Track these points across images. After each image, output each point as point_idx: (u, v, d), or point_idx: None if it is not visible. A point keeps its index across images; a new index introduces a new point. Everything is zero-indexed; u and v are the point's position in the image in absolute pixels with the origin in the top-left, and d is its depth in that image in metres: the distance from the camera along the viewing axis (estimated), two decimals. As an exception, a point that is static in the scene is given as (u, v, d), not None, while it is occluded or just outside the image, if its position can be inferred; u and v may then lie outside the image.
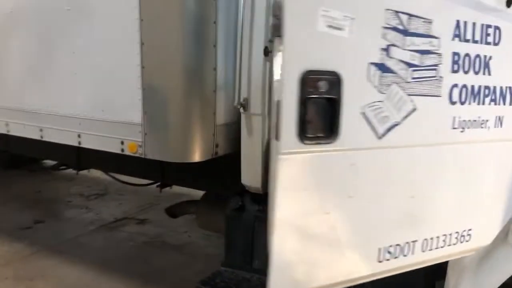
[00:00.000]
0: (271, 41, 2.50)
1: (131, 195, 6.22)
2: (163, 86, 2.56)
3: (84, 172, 4.35)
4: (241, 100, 2.54)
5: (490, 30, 1.62)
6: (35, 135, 3.17)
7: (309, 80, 1.28)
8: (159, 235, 5.03)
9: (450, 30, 1.55)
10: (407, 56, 1.47)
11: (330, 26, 1.28)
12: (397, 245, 1.60)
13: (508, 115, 1.71)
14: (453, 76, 1.57)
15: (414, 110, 1.51)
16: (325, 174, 1.41)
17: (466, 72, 1.59)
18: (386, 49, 1.43)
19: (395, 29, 1.43)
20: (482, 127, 1.67)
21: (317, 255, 1.47)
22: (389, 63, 1.44)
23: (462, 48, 1.58)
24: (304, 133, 1.31)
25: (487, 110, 1.68)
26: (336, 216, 1.46)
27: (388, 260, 1.58)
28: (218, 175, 3.04)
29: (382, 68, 1.43)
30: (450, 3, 1.52)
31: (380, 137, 1.45)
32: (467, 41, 1.58)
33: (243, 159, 2.72)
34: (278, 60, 1.30)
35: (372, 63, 1.41)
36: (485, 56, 1.63)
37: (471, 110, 1.63)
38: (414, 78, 1.49)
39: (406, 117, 1.49)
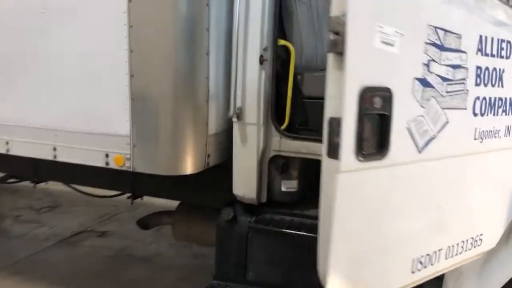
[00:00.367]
0: (265, 50, 2.48)
1: (85, 206, 5.89)
2: (154, 96, 2.43)
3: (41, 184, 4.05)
4: (236, 109, 2.48)
5: (504, 45, 1.71)
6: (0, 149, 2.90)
7: (366, 96, 1.27)
8: (125, 247, 4.81)
9: (474, 44, 1.61)
10: (443, 71, 1.50)
11: (384, 42, 1.27)
12: (427, 254, 1.63)
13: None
14: (476, 89, 1.64)
15: (446, 123, 1.55)
16: (376, 190, 1.41)
17: (485, 85, 1.66)
18: (427, 64, 1.46)
19: (434, 44, 1.45)
20: (495, 137, 1.75)
21: (368, 270, 1.47)
22: (429, 78, 1.46)
23: (483, 62, 1.65)
24: (361, 150, 1.30)
25: (499, 121, 1.77)
26: (383, 231, 1.47)
27: (419, 270, 1.61)
28: (195, 185, 2.94)
29: (424, 83, 1.45)
30: (475, 18, 1.58)
31: (420, 150, 1.47)
32: (486, 55, 1.65)
33: (236, 169, 2.66)
34: (333, 77, 1.27)
35: (416, 78, 1.43)
36: (499, 69, 1.72)
37: (488, 121, 1.71)
38: (447, 92, 1.53)
39: (440, 130, 1.52)
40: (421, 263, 1.62)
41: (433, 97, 1.49)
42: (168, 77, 2.42)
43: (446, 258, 1.70)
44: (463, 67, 1.59)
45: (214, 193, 3.07)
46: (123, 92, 2.46)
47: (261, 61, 2.48)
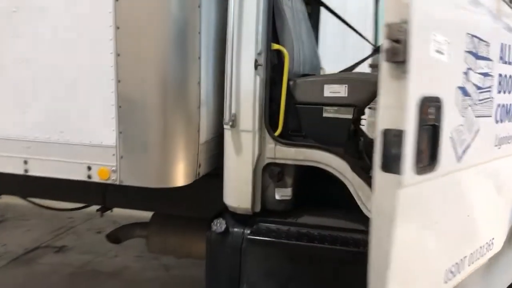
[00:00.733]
0: (259, 54, 2.39)
1: (37, 219, 5.48)
2: (143, 103, 2.26)
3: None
4: (231, 116, 2.36)
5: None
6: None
7: (424, 107, 1.22)
8: (87, 263, 4.50)
9: (498, 52, 1.62)
10: (477, 79, 1.49)
11: (436, 51, 1.23)
12: (456, 263, 1.62)
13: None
14: (498, 96, 1.65)
15: (478, 130, 1.54)
16: (426, 204, 1.36)
17: (505, 92, 1.68)
18: (466, 73, 1.44)
19: (471, 52, 1.44)
20: (509, 143, 1.78)
21: (412, 285, 1.43)
22: (468, 87, 1.45)
23: (504, 69, 1.67)
24: (419, 163, 1.24)
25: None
26: (427, 244, 1.43)
27: (450, 280, 1.60)
28: (174, 195, 2.78)
29: (464, 91, 1.43)
30: (498, 26, 1.59)
31: (458, 159, 1.45)
32: (506, 63, 1.67)
33: (228, 179, 2.55)
34: (390, 87, 1.21)
35: (458, 87, 1.40)
36: (514, 76, 1.75)
37: (505, 128, 1.73)
38: (479, 100, 1.52)
39: (473, 138, 1.51)
40: (451, 272, 1.61)
41: (469, 105, 1.47)
42: (159, 82, 2.26)
43: (469, 265, 1.70)
44: (490, 75, 1.59)
45: (195, 203, 2.94)
46: (109, 99, 2.27)
47: (256, 66, 2.38)
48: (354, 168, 2.38)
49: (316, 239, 2.41)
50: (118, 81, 2.23)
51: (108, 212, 3.51)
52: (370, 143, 2.73)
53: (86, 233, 5.29)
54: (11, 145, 2.46)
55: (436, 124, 1.32)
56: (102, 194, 3.37)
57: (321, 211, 2.69)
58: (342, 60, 4.14)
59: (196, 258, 3.41)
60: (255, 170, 2.48)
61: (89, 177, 2.38)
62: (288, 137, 2.53)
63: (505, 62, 1.67)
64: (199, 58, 2.34)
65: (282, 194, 2.59)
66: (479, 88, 1.52)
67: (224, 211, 2.68)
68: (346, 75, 2.67)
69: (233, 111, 2.39)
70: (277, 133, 2.49)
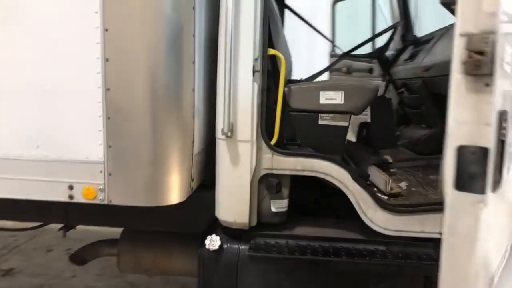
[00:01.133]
0: (256, 60, 2.26)
1: (-26, 240, 4.90)
2: (135, 113, 2.05)
3: None
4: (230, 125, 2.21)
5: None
6: None
7: (501, 121, 1.16)
8: (40, 286, 4.08)
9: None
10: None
11: (507, 63, 1.18)
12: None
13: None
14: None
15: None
16: (493, 220, 1.31)
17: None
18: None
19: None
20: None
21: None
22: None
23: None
24: (495, 181, 1.18)
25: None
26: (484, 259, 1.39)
27: None
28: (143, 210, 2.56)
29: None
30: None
31: (507, 172, 1.42)
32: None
33: (222, 192, 2.39)
34: (469, 101, 1.13)
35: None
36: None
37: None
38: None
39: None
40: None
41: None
42: (152, 90, 2.06)
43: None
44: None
45: (170, 217, 2.74)
46: (95, 109, 2.03)
47: (253, 72, 2.25)
48: (354, 177, 2.32)
49: (319, 252, 2.32)
50: (107, 90, 1.99)
51: (55, 228, 3.18)
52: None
53: (34, 252, 4.82)
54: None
55: (503, 139, 1.27)
56: (64, 211, 3.06)
57: (312, 221, 2.61)
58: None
59: (175, 275, 3.20)
60: (252, 182, 2.34)
61: (70, 197, 2.11)
62: (283, 146, 2.42)
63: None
64: (193, 63, 2.16)
65: (278, 206, 2.47)
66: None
67: (216, 226, 2.51)
68: (342, 82, 2.60)
69: (224, 120, 2.23)
70: (272, 142, 2.37)
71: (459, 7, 1.12)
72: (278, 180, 2.39)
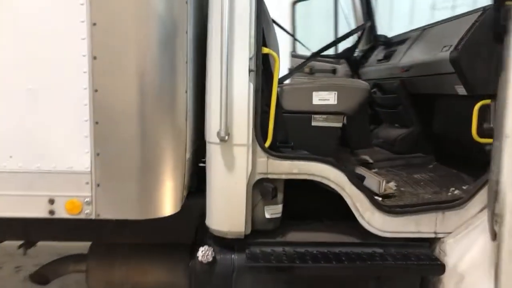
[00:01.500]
0: (251, 59, 2.14)
1: None
2: (125, 117, 1.86)
3: None
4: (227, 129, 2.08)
5: None
6: None
7: None
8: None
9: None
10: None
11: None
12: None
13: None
14: None
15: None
16: None
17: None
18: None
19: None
20: None
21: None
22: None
23: None
24: None
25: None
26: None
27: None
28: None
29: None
30: None
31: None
32: None
33: (215, 201, 2.24)
34: None
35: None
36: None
37: None
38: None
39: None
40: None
41: None
42: (145, 91, 1.88)
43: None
44: None
45: (143, 228, 2.54)
46: (80, 113, 1.81)
47: (249, 71, 2.13)
48: (352, 180, 2.27)
49: (319, 258, 2.23)
50: (95, 91, 1.79)
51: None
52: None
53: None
54: None
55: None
56: (24, 226, 2.76)
57: (303, 225, 2.53)
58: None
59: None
60: (247, 188, 2.21)
61: (51, 212, 1.87)
62: (277, 149, 2.31)
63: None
64: (187, 62, 2.00)
65: (273, 212, 2.36)
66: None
67: (206, 236, 2.35)
68: (334, 82, 2.54)
69: (221, 123, 2.09)
70: (266, 145, 2.25)
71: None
72: (275, 185, 2.28)
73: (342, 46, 4.32)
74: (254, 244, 2.32)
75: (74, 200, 1.85)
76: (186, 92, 2.02)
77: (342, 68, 4.22)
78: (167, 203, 1.97)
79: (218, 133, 2.06)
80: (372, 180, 2.50)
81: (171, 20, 1.89)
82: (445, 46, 2.45)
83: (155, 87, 1.88)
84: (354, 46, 3.97)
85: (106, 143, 1.83)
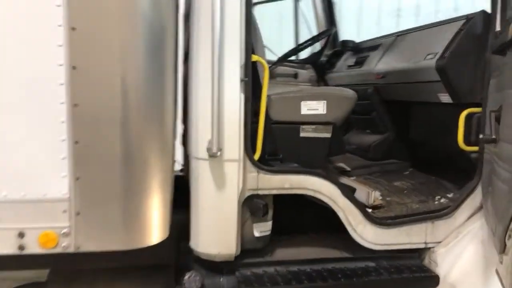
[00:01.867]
0: (241, 68, 2.00)
1: None
2: (110, 134, 1.64)
3: None
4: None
5: None
6: None
7: None
8: None
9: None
10: None
11: None
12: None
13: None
14: None
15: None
16: None
17: None
18: None
19: None
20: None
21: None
22: None
23: None
24: None
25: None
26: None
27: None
28: None
29: None
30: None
31: None
32: None
33: (202, 222, 2.07)
34: None
35: None
36: None
37: None
38: None
39: None
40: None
41: None
42: (131, 105, 1.67)
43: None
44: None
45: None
46: (57, 131, 1.57)
47: (240, 81, 1.98)
48: (345, 193, 2.18)
49: (314, 277, 2.12)
50: (74, 106, 1.55)
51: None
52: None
53: None
54: None
55: None
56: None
57: (290, 241, 2.42)
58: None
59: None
60: (238, 206, 2.06)
61: (21, 248, 1.61)
62: (265, 163, 2.17)
63: None
64: (176, 71, 1.81)
65: (262, 230, 2.22)
66: None
67: (190, 259, 2.16)
68: (323, 90, 2.44)
69: (213, 137, 1.92)
70: (256, 158, 2.11)
71: None
72: (266, 201, 2.13)
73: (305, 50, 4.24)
74: (243, 266, 2.16)
75: (49, 232, 1.60)
76: (175, 102, 1.82)
77: (307, 73, 4.15)
78: (156, 229, 1.76)
79: (209, 149, 1.87)
80: (361, 191, 2.42)
81: (160, 25, 1.69)
82: (429, 54, 2.43)
83: (142, 100, 1.67)
84: (321, 51, 3.91)
85: (87, 165, 1.59)
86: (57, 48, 1.51)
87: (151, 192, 1.74)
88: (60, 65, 1.53)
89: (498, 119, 1.84)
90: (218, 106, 1.87)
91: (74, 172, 1.58)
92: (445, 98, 2.44)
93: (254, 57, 2.06)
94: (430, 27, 2.73)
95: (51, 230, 1.60)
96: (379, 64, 3.03)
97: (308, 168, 2.20)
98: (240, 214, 2.08)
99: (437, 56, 2.34)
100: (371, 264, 2.28)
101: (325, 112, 2.28)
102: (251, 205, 2.12)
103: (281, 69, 4.33)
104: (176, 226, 2.10)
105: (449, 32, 2.39)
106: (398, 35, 3.07)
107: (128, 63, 1.62)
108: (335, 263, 2.26)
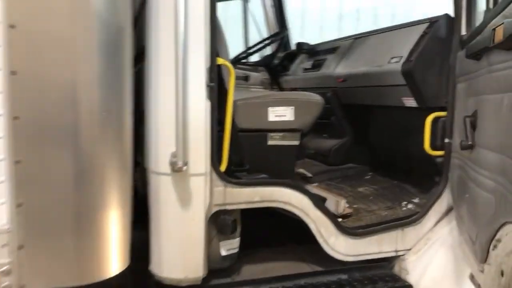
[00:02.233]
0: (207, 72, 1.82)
1: None
2: (58, 152, 1.41)
3: None
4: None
5: None
6: None
7: None
8: None
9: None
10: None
11: None
12: None
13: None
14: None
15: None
16: None
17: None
18: None
19: None
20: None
21: None
22: None
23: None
24: None
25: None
26: None
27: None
28: None
29: None
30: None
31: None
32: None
33: (167, 242, 1.86)
34: None
35: None
36: None
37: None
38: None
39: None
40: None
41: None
42: (84, 116, 1.43)
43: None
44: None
45: None
46: (-7, 150, 1.30)
47: (206, 86, 1.80)
48: (316, 204, 2.07)
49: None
50: (14, 119, 1.29)
51: None
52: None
53: None
54: None
55: None
56: None
57: (254, 255, 2.27)
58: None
59: None
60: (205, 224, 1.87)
61: None
62: (232, 175, 2.00)
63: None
64: (133, 76, 1.59)
65: (229, 247, 2.05)
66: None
67: (149, 285, 1.95)
68: (290, 96, 2.30)
69: (178, 149, 1.72)
70: (222, 169, 1.94)
71: None
72: (234, 217, 1.96)
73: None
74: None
75: (-15, 272, 1.31)
76: (133, 113, 1.59)
77: (259, 75, 4.02)
78: (114, 259, 1.53)
79: (174, 163, 1.67)
80: (329, 200, 2.32)
81: (116, 26, 1.46)
82: (393, 58, 2.37)
83: (97, 110, 1.43)
84: (274, 54, 3.79)
85: (32, 190, 1.33)
86: (-8, 50, 1.25)
87: (109, 217, 1.51)
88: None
89: (473, 125, 1.79)
90: (183, 115, 1.67)
91: (15, 197, 1.31)
92: (410, 102, 2.39)
93: (220, 60, 1.88)
94: (390, 30, 2.68)
95: (-13, 270, 1.32)
96: (339, 67, 2.95)
97: (276, 178, 2.06)
98: (207, 232, 1.89)
99: (403, 60, 2.29)
100: (344, 276, 2.18)
101: (293, 118, 2.15)
102: (219, 222, 1.94)
103: (231, 72, 4.16)
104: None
105: (413, 36, 2.35)
106: (356, 38, 3.01)
107: (80, 68, 1.38)
108: (306, 278, 2.14)
